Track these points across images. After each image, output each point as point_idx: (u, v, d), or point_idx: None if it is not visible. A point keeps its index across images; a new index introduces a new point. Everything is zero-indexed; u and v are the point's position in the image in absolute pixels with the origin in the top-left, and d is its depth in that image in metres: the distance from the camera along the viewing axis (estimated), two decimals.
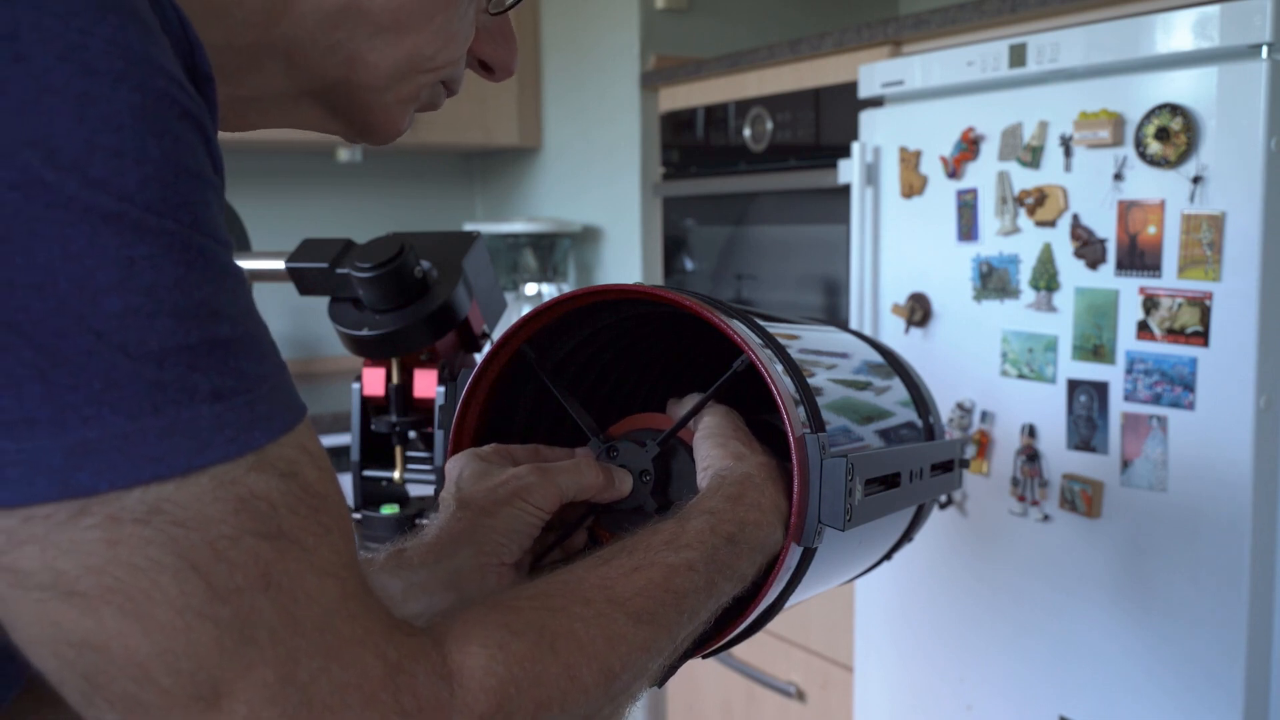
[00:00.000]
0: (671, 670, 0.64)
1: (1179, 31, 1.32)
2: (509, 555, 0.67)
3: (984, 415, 1.59)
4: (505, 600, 0.51)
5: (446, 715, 0.43)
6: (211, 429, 0.39)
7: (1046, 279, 1.48)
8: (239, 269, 0.42)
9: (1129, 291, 1.38)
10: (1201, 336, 1.31)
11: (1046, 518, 1.51)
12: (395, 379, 1.02)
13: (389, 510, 1.07)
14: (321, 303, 1.04)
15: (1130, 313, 1.38)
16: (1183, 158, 1.32)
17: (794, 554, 0.66)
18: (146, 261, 0.38)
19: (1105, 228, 1.41)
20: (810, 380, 0.71)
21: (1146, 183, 1.36)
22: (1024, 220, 1.51)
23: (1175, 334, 1.34)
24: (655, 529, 0.61)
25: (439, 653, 0.45)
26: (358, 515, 1.08)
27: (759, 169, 2.22)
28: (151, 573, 0.38)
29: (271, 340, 0.43)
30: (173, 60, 0.41)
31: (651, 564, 0.57)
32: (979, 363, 1.59)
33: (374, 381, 1.04)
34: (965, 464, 0.99)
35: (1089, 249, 1.43)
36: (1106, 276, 1.41)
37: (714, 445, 0.69)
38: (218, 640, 0.38)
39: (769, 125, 2.19)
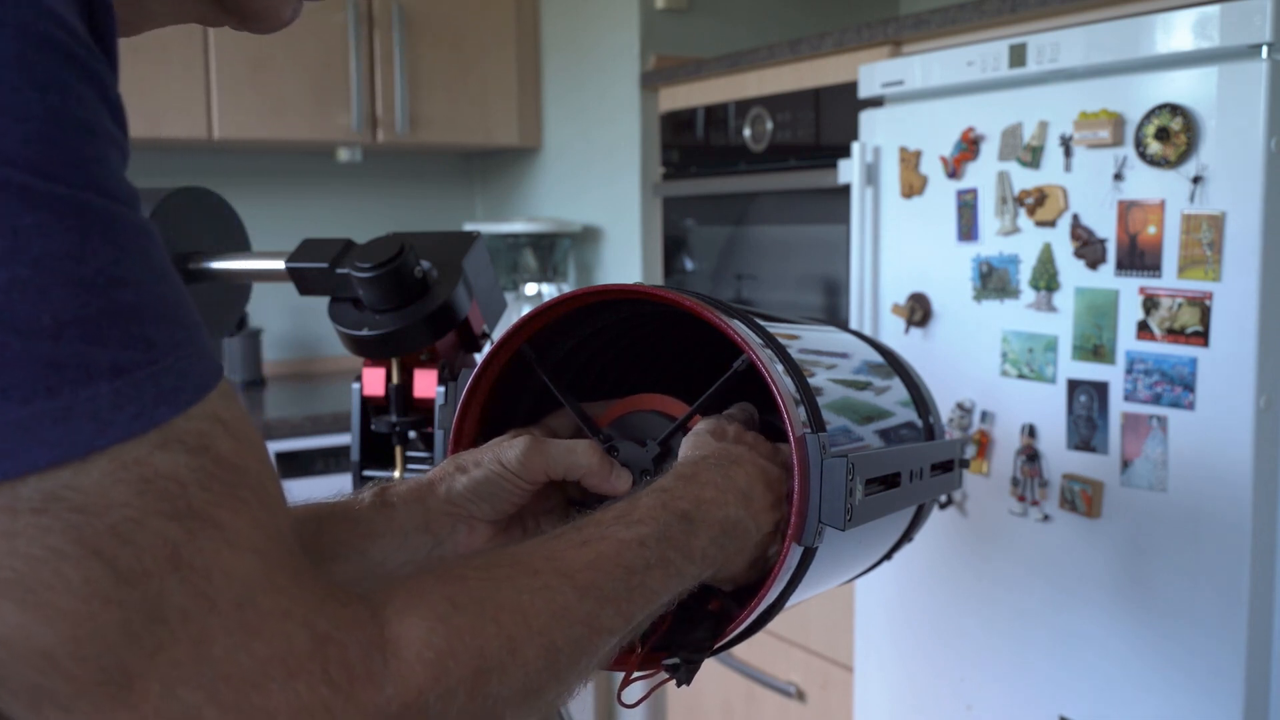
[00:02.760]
0: (695, 668, 0.65)
1: (1179, 31, 1.32)
2: (479, 512, 0.68)
3: (984, 415, 1.59)
4: (451, 570, 0.50)
5: (379, 686, 0.42)
6: (111, 407, 0.37)
7: (1046, 279, 1.48)
8: (145, 225, 0.40)
9: (1129, 291, 1.38)
10: (1201, 336, 1.31)
11: (1046, 518, 1.51)
12: (395, 379, 1.02)
13: None
14: (321, 303, 1.04)
15: (1130, 313, 1.38)
16: (1183, 158, 1.32)
17: (794, 554, 0.66)
18: (34, 230, 0.35)
19: (1105, 228, 1.41)
20: (810, 380, 0.71)
21: (1146, 183, 1.36)
22: (1024, 220, 1.51)
23: (1175, 334, 1.34)
24: (606, 507, 0.60)
25: (375, 623, 0.44)
26: None
27: (759, 169, 2.22)
28: (51, 562, 0.36)
29: (185, 300, 0.41)
30: None
31: (601, 538, 0.56)
32: (979, 363, 1.59)
33: (374, 381, 1.04)
34: (965, 464, 0.99)
35: (1089, 249, 1.43)
36: (1106, 276, 1.41)
37: (689, 448, 0.69)
38: (123, 624, 0.37)
39: (769, 125, 2.19)
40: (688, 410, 0.74)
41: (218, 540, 0.39)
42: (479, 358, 0.86)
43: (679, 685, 0.66)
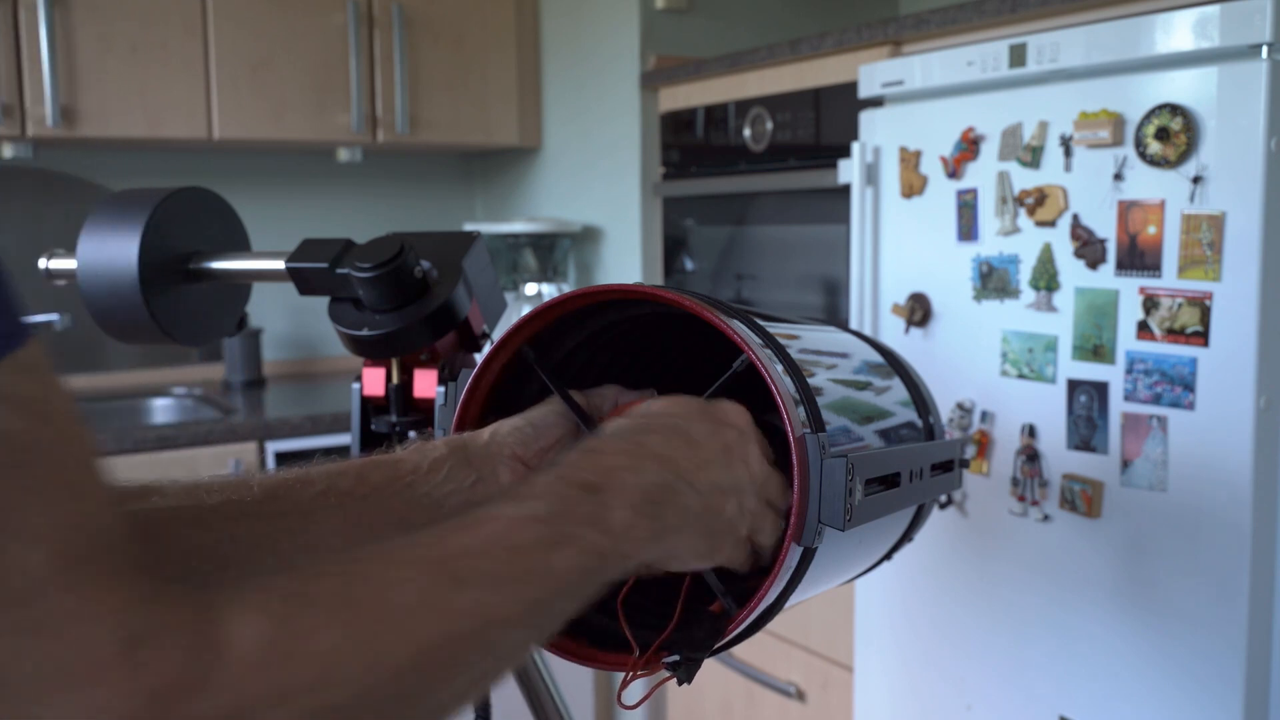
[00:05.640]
0: (695, 666, 0.65)
1: (1179, 31, 1.32)
2: (523, 449, 0.70)
3: (984, 415, 1.59)
4: (309, 566, 0.46)
5: (198, 695, 0.37)
6: None
7: (1046, 279, 1.48)
8: None
9: (1129, 291, 1.38)
10: (1201, 336, 1.31)
11: (1046, 518, 1.51)
12: (395, 379, 1.02)
13: None
14: (321, 303, 1.04)
15: (1130, 313, 1.38)
16: (1183, 158, 1.32)
17: (794, 554, 0.66)
18: None
19: (1105, 228, 1.41)
20: (810, 380, 0.71)
21: (1146, 183, 1.36)
22: (1024, 220, 1.51)
23: (1175, 334, 1.34)
24: (498, 489, 0.60)
25: (201, 625, 0.38)
26: None
27: (759, 169, 2.22)
28: None
29: None
30: None
31: (490, 519, 0.51)
32: (979, 363, 1.59)
33: (374, 381, 1.04)
34: (965, 464, 0.99)
35: (1089, 249, 1.43)
36: (1106, 276, 1.41)
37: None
38: None
39: (769, 125, 2.19)
40: None
41: None
42: (479, 358, 0.86)
43: (680, 683, 0.66)
